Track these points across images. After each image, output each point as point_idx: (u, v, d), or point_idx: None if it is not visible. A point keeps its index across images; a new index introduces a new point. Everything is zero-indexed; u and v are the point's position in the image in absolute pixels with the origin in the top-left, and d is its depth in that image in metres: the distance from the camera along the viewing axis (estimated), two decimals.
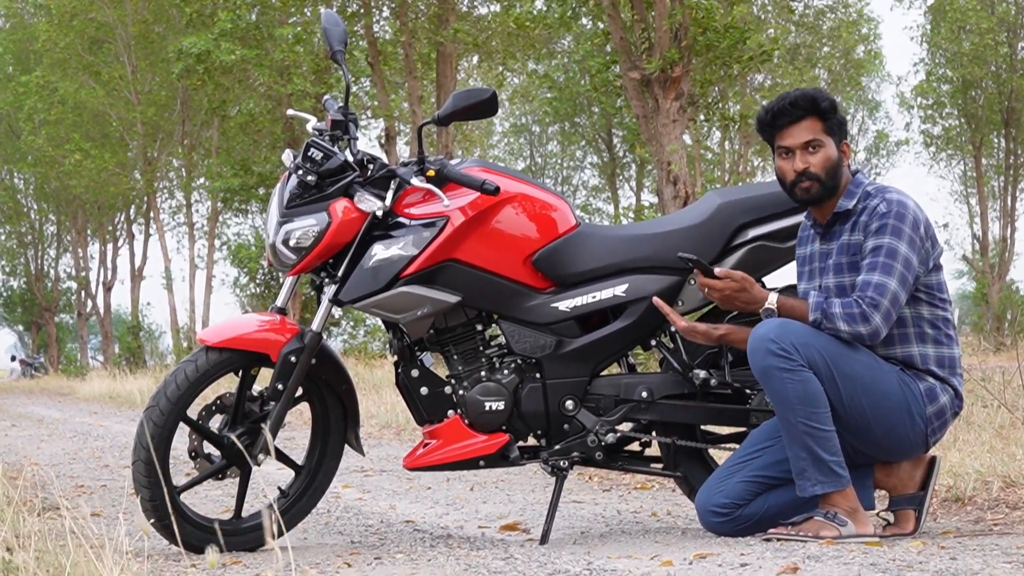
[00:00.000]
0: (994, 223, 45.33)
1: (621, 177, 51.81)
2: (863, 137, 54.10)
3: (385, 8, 30.40)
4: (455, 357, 5.68)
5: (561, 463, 5.63)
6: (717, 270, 5.29)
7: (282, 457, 5.80)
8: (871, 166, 52.53)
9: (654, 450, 5.85)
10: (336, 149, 5.62)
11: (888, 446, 5.30)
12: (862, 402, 5.16)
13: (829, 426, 5.14)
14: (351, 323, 40.95)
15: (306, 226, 5.52)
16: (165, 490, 5.30)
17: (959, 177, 47.78)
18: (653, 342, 5.71)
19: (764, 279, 5.67)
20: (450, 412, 5.64)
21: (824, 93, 5.41)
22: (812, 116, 5.33)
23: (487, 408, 5.57)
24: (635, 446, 5.83)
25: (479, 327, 5.69)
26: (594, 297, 5.59)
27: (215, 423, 5.69)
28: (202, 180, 44.19)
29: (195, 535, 5.54)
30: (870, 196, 5.32)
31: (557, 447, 5.63)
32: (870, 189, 5.35)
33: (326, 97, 5.95)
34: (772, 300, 5.26)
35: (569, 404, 5.60)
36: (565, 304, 5.58)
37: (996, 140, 44.89)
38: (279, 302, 5.72)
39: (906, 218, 5.22)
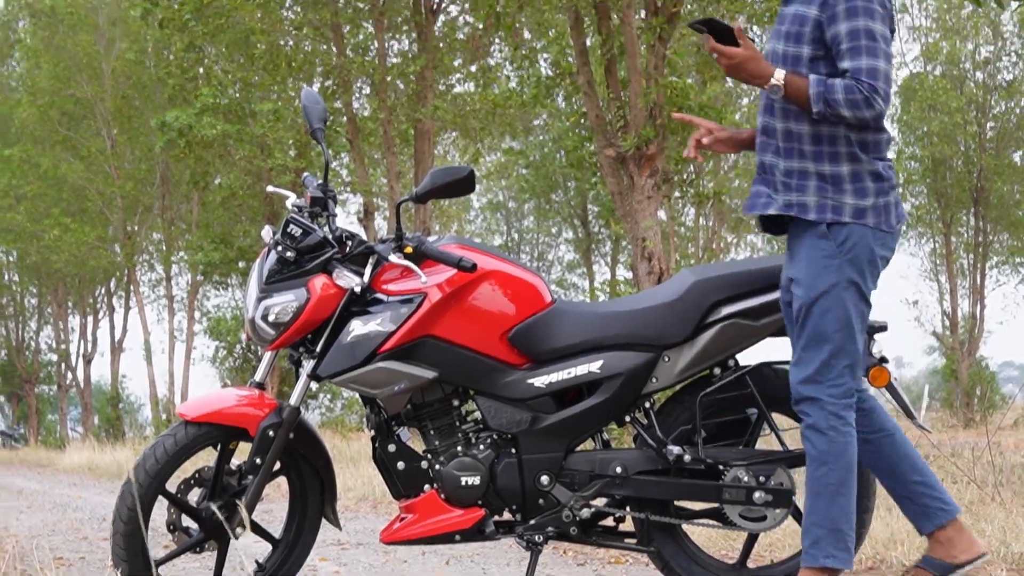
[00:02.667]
0: (964, 300, 45.52)
1: (596, 253, 51.92)
2: None
3: (364, 86, 30.51)
4: (432, 432, 5.67)
5: (536, 537, 5.61)
6: (736, 32, 5.10)
7: (260, 530, 5.79)
8: None
9: (628, 525, 5.83)
10: (315, 226, 5.64)
11: None
12: None
13: (854, 496, 5.20)
14: (328, 396, 40.91)
15: (285, 302, 5.52)
16: (143, 563, 5.28)
17: (929, 255, 47.95)
18: (627, 418, 5.71)
19: (737, 354, 5.68)
20: (427, 486, 5.64)
21: None
22: None
23: (463, 483, 5.57)
24: (609, 521, 5.82)
25: (456, 402, 5.68)
26: (569, 373, 5.59)
27: (194, 496, 5.67)
28: (182, 254, 44.18)
29: None
30: None
31: (532, 522, 5.62)
32: None
33: (305, 174, 5.96)
34: (779, 76, 5.10)
35: (544, 479, 5.60)
36: (541, 380, 5.58)
37: (965, 218, 45.13)
38: (258, 377, 5.72)
39: None
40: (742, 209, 5.52)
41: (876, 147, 5.21)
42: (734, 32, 5.11)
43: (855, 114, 4.99)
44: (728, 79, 27.84)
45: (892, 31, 5.20)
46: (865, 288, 5.18)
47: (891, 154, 5.36)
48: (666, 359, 5.61)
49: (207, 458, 5.81)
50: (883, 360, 5.56)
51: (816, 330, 5.16)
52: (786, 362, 5.66)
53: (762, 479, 5.56)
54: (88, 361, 55.56)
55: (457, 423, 5.68)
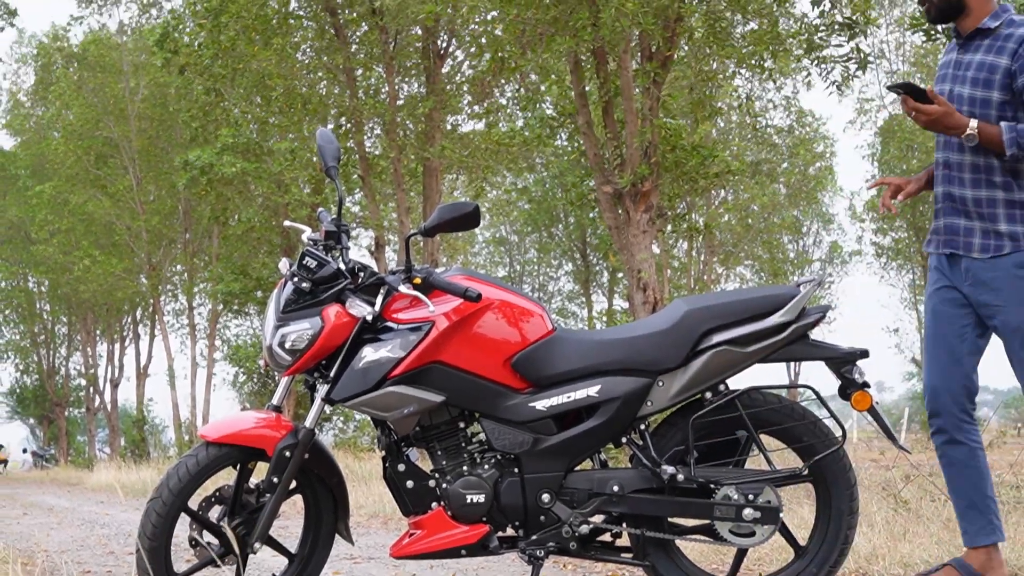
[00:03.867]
0: None
1: (594, 284, 51.93)
2: (818, 248, 54.35)
3: (376, 126, 30.55)
4: (439, 453, 5.67)
5: (538, 552, 5.61)
6: (929, 92, 5.46)
7: (276, 545, 5.79)
8: (826, 274, 52.67)
9: (624, 540, 5.82)
10: (329, 258, 5.64)
11: None
12: None
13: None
14: (342, 418, 40.90)
15: (301, 330, 5.53)
16: None
17: (908, 285, 48.01)
18: (624, 439, 5.70)
19: (727, 379, 5.68)
20: (434, 504, 5.63)
21: None
22: None
23: (469, 501, 5.56)
24: (607, 537, 5.80)
25: (462, 425, 5.68)
26: (569, 397, 5.59)
27: (214, 513, 5.67)
28: (203, 284, 44.23)
29: None
30: (1014, 23, 5.54)
31: (534, 537, 5.61)
32: (1015, 17, 5.56)
33: (320, 209, 5.97)
34: (973, 126, 5.45)
35: (545, 497, 5.59)
36: (542, 404, 5.58)
37: None
38: (275, 400, 5.72)
39: None
40: (941, 245, 5.76)
41: None
42: (927, 93, 5.47)
43: None
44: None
45: None
46: None
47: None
48: (660, 384, 5.61)
49: (227, 477, 5.80)
50: (865, 385, 5.57)
51: None
52: (772, 386, 5.69)
53: (751, 497, 5.56)
54: (115, 386, 55.61)
55: (463, 444, 5.68)
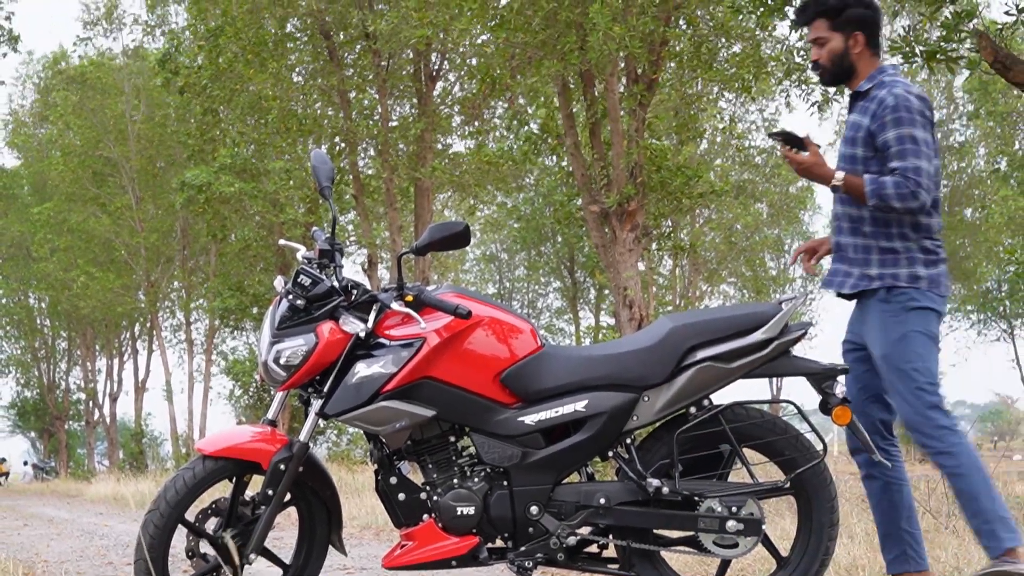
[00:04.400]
0: None
1: (582, 300, 51.96)
2: (798, 266, 54.27)
3: (369, 147, 30.57)
4: (430, 466, 5.67)
5: (526, 563, 5.60)
6: (805, 140, 5.83)
7: (271, 556, 5.78)
8: (808, 292, 52.71)
9: (611, 551, 5.82)
10: (323, 276, 5.65)
11: None
12: None
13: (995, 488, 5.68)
14: (335, 432, 40.85)
15: (295, 346, 5.53)
16: None
17: None
18: (610, 453, 5.70)
19: (711, 394, 5.68)
20: (425, 516, 5.63)
21: None
22: (820, 17, 5.92)
23: (459, 513, 5.56)
24: (594, 548, 5.80)
25: (452, 439, 5.68)
26: (557, 412, 5.59)
27: (211, 525, 5.66)
28: (201, 300, 44.22)
29: None
30: (883, 85, 5.86)
31: (523, 548, 5.61)
32: (885, 79, 5.90)
33: (314, 229, 5.98)
34: (839, 177, 5.77)
35: (534, 509, 5.59)
36: (530, 418, 5.58)
37: None
38: (270, 415, 5.72)
39: (912, 107, 5.68)
40: (821, 284, 6.28)
41: (926, 228, 5.81)
42: (803, 141, 5.81)
43: (904, 204, 5.59)
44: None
45: (933, 137, 5.77)
46: (928, 332, 5.74)
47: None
48: (646, 399, 5.61)
49: (223, 490, 5.80)
50: (845, 400, 5.57)
51: (900, 372, 5.69)
52: (755, 401, 5.70)
53: (734, 509, 5.56)
54: (114, 400, 55.61)
55: (453, 458, 5.67)
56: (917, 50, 11.07)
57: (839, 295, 5.98)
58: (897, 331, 5.70)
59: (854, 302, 6.01)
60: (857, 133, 5.84)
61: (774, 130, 5.81)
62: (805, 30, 6.04)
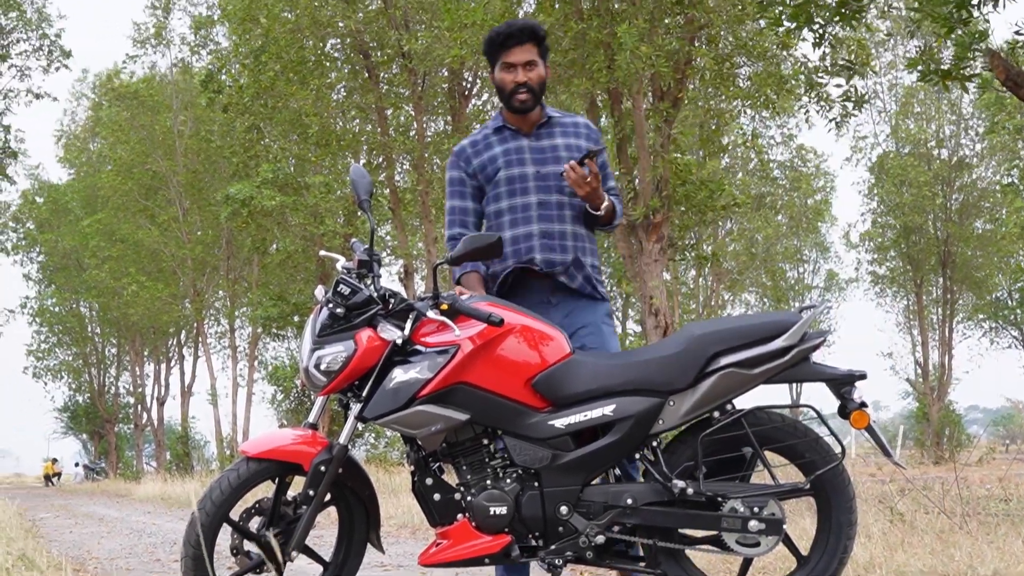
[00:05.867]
0: (934, 351, 45.49)
1: None
2: (816, 275, 54.30)
3: (405, 161, 30.62)
4: (464, 467, 5.66)
5: (556, 561, 5.59)
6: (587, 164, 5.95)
7: (312, 554, 5.78)
8: (826, 300, 52.63)
9: (638, 550, 5.81)
10: (362, 286, 5.65)
11: None
12: None
13: None
14: (373, 435, 40.87)
15: (335, 352, 5.53)
16: None
17: (903, 311, 47.95)
18: (637, 455, 5.69)
19: (734, 399, 5.67)
20: (459, 516, 5.62)
21: (539, 25, 6.07)
22: (531, 41, 5.97)
23: (492, 513, 5.55)
24: (621, 546, 5.79)
25: (485, 441, 5.67)
26: (586, 416, 5.57)
27: (254, 524, 5.67)
28: (244, 309, 44.35)
29: None
30: (563, 114, 6.28)
31: (553, 547, 5.60)
32: (553, 112, 6.26)
33: (353, 240, 5.98)
34: (606, 204, 6.10)
35: (564, 509, 5.58)
36: (560, 422, 5.57)
37: (934, 279, 45.15)
38: (311, 418, 5.72)
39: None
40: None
41: None
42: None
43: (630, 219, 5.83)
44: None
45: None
46: None
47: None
48: (671, 403, 5.59)
49: (266, 490, 5.81)
50: (863, 405, 5.55)
51: None
52: (776, 406, 5.68)
53: (756, 510, 5.55)
54: (161, 403, 55.86)
55: (486, 460, 5.66)
56: (933, 68, 11.06)
57: None
58: None
59: None
60: (577, 153, 6.08)
61: (591, 147, 5.85)
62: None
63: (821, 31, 12.66)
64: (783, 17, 12.54)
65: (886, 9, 17.76)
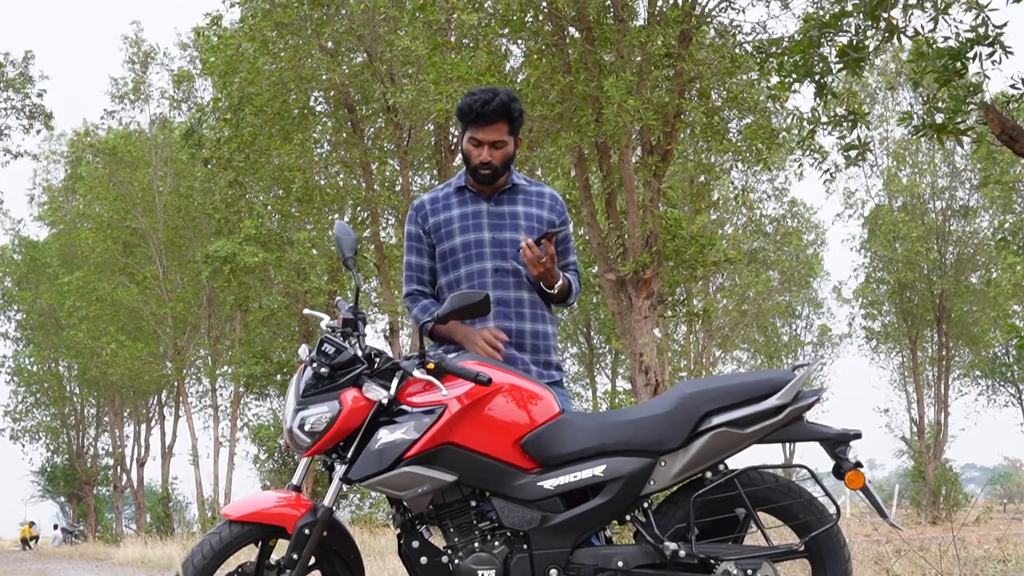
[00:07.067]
0: (929, 408, 45.47)
1: (598, 366, 51.96)
2: (809, 331, 54.42)
3: (390, 217, 30.67)
4: (451, 530, 5.64)
5: None
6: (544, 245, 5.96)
7: None
8: (820, 357, 52.70)
9: None
10: (347, 344, 5.64)
11: None
12: None
13: None
14: (358, 496, 40.76)
15: (319, 413, 5.52)
16: None
17: (897, 367, 48.04)
18: (628, 517, 5.68)
19: (727, 459, 5.66)
20: None
21: (516, 101, 6.04)
22: (503, 120, 5.98)
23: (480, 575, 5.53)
24: None
25: (473, 503, 5.66)
26: (575, 477, 5.57)
27: None
28: (226, 368, 44.29)
29: None
30: (530, 183, 6.34)
31: None
32: (519, 179, 6.30)
33: (338, 298, 6.00)
34: (561, 282, 6.10)
35: (553, 573, 5.56)
36: (550, 483, 5.56)
37: (930, 335, 45.23)
38: (295, 480, 5.71)
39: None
40: None
41: None
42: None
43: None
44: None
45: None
46: None
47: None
48: (663, 464, 5.59)
49: (249, 554, 5.79)
50: (858, 465, 5.55)
51: None
52: (769, 466, 5.68)
53: (750, 572, 5.53)
54: (141, 465, 55.69)
55: (474, 521, 5.65)
56: (928, 123, 11.12)
57: None
58: None
59: None
60: (538, 224, 6.19)
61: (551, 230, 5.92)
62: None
63: (822, 81, 12.71)
64: (786, 66, 12.59)
65: (882, 64, 17.84)
